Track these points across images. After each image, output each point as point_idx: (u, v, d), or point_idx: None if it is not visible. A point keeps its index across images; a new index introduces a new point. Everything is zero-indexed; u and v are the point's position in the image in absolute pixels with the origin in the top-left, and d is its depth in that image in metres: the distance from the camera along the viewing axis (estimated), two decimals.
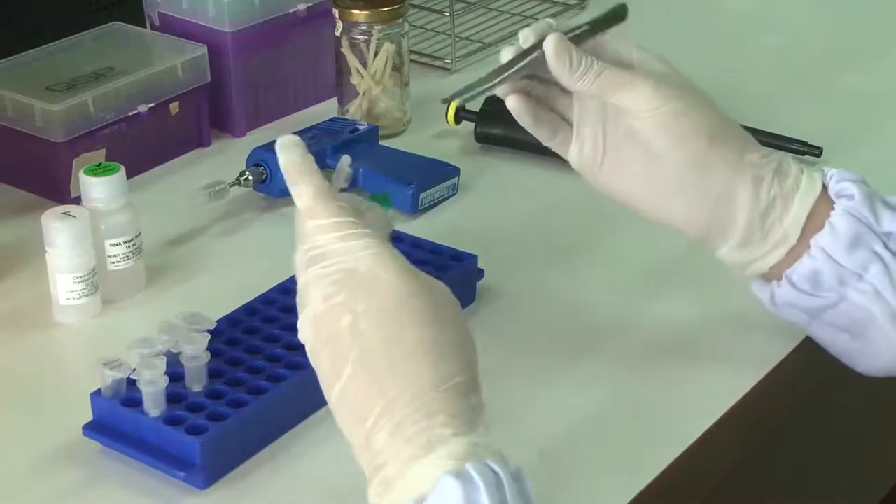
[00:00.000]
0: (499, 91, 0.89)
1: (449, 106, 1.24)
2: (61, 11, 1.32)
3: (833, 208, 0.87)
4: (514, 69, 0.87)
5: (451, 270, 0.99)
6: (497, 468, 0.68)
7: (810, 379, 0.96)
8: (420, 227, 1.09)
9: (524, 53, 0.87)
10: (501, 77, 0.87)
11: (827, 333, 0.90)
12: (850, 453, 0.94)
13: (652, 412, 0.91)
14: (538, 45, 0.87)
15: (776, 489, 0.90)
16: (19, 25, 1.29)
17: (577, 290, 1.03)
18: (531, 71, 0.87)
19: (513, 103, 0.89)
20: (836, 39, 1.48)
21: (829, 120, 1.28)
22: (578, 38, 0.88)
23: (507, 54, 0.88)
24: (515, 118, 0.90)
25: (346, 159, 0.88)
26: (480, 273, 1.02)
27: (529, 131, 0.91)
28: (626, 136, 0.88)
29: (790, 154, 0.90)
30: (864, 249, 0.86)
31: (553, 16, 1.52)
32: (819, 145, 1.20)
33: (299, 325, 0.76)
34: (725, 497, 0.89)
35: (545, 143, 0.91)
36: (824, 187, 0.88)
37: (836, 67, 1.41)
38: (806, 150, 1.20)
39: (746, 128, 1.22)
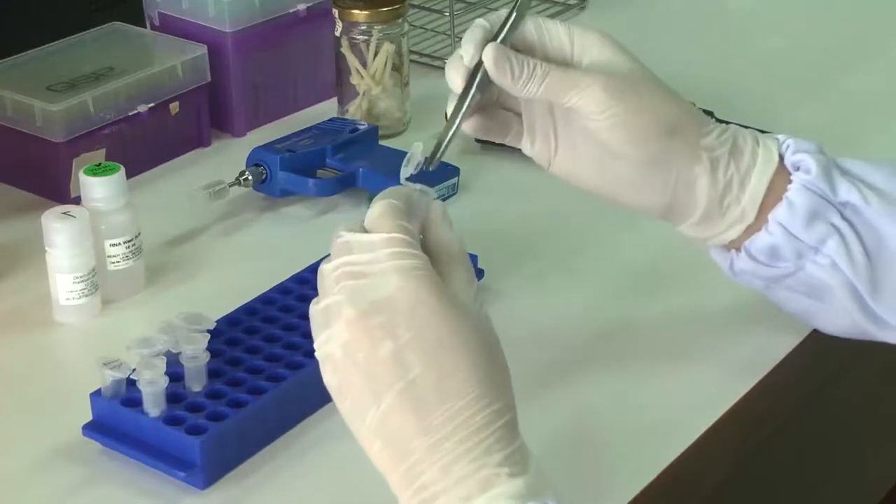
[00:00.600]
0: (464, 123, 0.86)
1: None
2: (61, 11, 1.32)
3: (790, 181, 0.87)
4: (469, 99, 0.84)
5: None
6: None
7: (810, 379, 0.96)
8: None
9: (472, 75, 0.84)
10: (462, 114, 0.84)
11: (785, 297, 0.91)
12: (849, 453, 0.95)
13: (652, 412, 0.91)
14: (481, 60, 0.84)
15: (776, 489, 0.91)
16: (19, 25, 1.29)
17: (577, 290, 1.03)
18: (483, 86, 0.84)
19: (471, 125, 0.87)
20: (836, 39, 1.48)
21: (829, 120, 1.28)
22: (512, 30, 0.84)
23: (455, 78, 0.85)
24: (471, 135, 0.88)
25: (418, 146, 0.82)
26: (480, 273, 1.02)
27: (482, 137, 0.90)
28: (578, 132, 0.86)
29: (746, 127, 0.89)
30: (821, 222, 0.86)
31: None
32: None
33: (323, 338, 0.72)
34: (725, 497, 0.89)
35: (499, 142, 0.89)
36: (781, 158, 0.88)
37: (836, 67, 1.41)
38: None
39: (748, 128, 1.23)
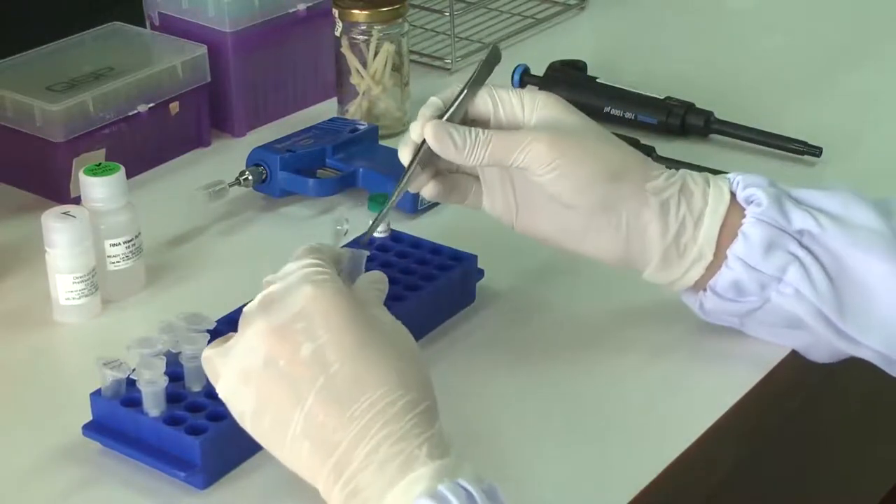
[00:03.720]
0: (411, 189, 0.91)
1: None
2: (61, 11, 1.32)
3: (744, 216, 0.88)
4: (410, 172, 0.89)
5: (451, 270, 0.99)
6: (469, 487, 0.70)
7: (810, 379, 0.96)
8: (420, 227, 1.09)
9: (417, 149, 0.89)
10: (403, 184, 0.89)
11: (767, 332, 0.93)
12: (849, 453, 0.95)
13: (651, 412, 0.91)
14: None
15: (776, 489, 0.91)
16: (19, 25, 1.29)
17: (577, 290, 1.03)
18: (431, 159, 0.89)
19: (428, 192, 0.92)
20: (836, 39, 1.48)
21: (829, 120, 1.28)
22: (460, 108, 0.89)
23: (404, 154, 0.90)
24: (432, 200, 0.94)
25: (341, 222, 0.90)
26: (480, 273, 1.02)
27: (442, 202, 0.95)
28: (534, 190, 0.90)
29: (695, 171, 0.92)
30: (780, 252, 0.88)
31: (553, 16, 1.52)
32: (819, 145, 1.20)
33: (234, 353, 0.76)
34: (726, 497, 0.89)
35: (460, 205, 0.94)
36: (733, 196, 0.90)
37: (836, 67, 1.41)
38: (806, 150, 1.21)
39: (747, 128, 1.23)
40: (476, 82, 0.90)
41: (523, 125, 0.89)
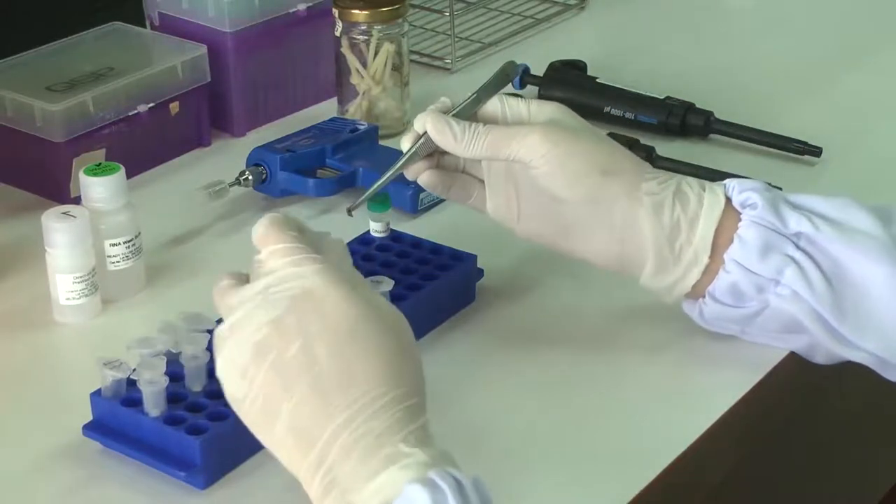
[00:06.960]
0: (407, 175, 0.94)
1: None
2: (61, 11, 1.32)
3: (740, 220, 0.89)
4: (406, 157, 0.93)
5: (451, 270, 0.99)
6: (458, 475, 0.70)
7: (810, 379, 0.96)
8: (420, 227, 1.09)
9: (419, 138, 0.92)
10: (398, 167, 0.93)
11: (769, 338, 0.93)
12: (849, 454, 0.94)
13: (651, 412, 0.91)
14: None
15: (776, 490, 0.91)
16: (19, 25, 1.29)
17: (578, 291, 1.03)
18: (430, 150, 0.93)
19: (424, 180, 0.94)
20: (836, 39, 1.48)
21: (829, 120, 1.28)
22: (467, 108, 0.92)
23: (405, 142, 0.93)
24: (430, 191, 0.95)
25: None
26: (480, 273, 1.02)
27: (444, 198, 0.96)
28: (534, 191, 0.91)
29: (694, 179, 0.92)
30: (776, 254, 0.88)
31: (553, 16, 1.52)
32: (819, 145, 1.20)
33: (231, 341, 0.75)
34: (725, 497, 0.89)
35: (462, 204, 0.96)
36: (729, 201, 0.90)
37: (836, 67, 1.41)
38: (806, 150, 1.21)
39: (747, 128, 1.23)
40: (488, 88, 0.93)
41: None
